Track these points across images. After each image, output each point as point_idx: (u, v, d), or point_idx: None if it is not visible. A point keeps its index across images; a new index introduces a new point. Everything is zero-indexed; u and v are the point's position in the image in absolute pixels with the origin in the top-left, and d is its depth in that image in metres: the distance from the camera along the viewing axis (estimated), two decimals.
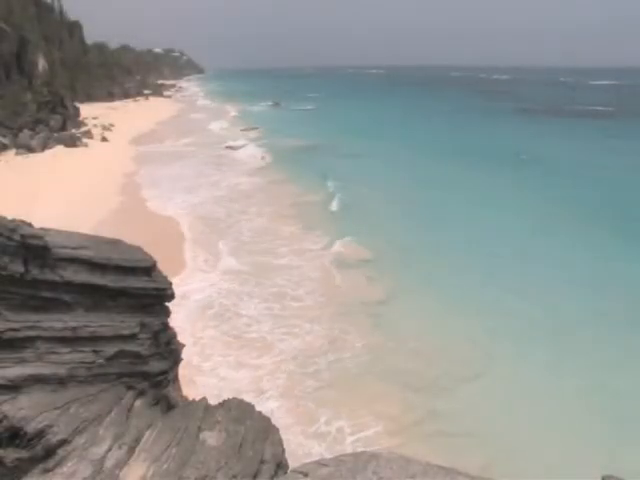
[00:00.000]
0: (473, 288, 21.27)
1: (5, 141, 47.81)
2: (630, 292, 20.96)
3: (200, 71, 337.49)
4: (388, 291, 21.03)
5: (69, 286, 8.38)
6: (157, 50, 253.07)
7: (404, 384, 15.13)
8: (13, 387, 7.59)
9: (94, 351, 8.38)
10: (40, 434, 7.18)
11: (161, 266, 9.72)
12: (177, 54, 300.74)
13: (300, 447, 12.47)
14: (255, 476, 7.64)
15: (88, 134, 58.05)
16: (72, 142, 52.13)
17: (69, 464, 7.06)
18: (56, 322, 8.22)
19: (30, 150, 47.19)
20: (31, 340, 7.99)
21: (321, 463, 6.64)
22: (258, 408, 9.24)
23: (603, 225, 28.75)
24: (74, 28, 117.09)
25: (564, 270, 23.07)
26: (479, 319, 18.73)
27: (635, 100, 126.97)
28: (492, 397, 14.73)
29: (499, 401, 14.59)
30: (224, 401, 8.87)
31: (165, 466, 7.24)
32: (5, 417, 7.18)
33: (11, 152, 46.30)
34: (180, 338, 10.20)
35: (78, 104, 75.39)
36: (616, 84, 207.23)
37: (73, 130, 59.97)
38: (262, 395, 14.53)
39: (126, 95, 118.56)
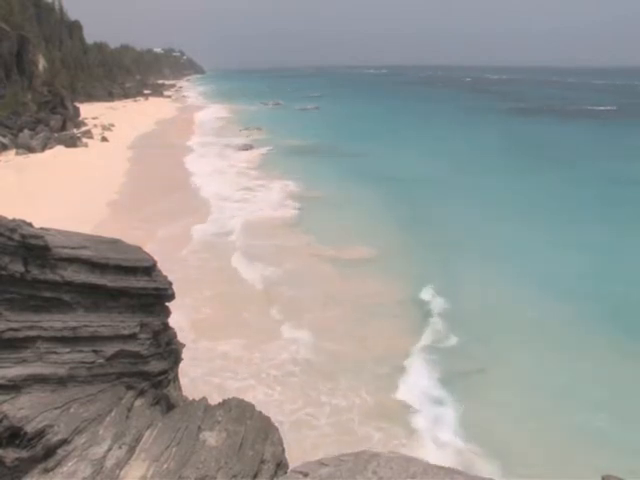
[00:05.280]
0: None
1: (5, 141, 47.78)
2: None
3: (200, 71, 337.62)
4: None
5: (69, 286, 8.38)
6: (157, 50, 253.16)
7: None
8: (13, 387, 7.59)
9: (94, 351, 8.39)
10: (40, 434, 7.19)
11: None
12: (177, 54, 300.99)
13: None
14: (255, 476, 7.64)
15: (88, 134, 58.01)
16: (72, 142, 52.09)
17: (69, 464, 7.06)
18: (56, 322, 8.22)
19: (30, 150, 47.15)
20: (31, 340, 8.00)
21: (321, 463, 6.65)
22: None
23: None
24: (74, 28, 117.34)
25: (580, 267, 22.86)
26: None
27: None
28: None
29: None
30: (224, 401, 8.86)
31: (165, 466, 7.24)
32: (5, 417, 7.18)
33: (11, 152, 46.24)
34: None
35: (78, 104, 75.36)
36: (619, 84, 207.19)
37: (73, 130, 59.98)
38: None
39: (126, 95, 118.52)
